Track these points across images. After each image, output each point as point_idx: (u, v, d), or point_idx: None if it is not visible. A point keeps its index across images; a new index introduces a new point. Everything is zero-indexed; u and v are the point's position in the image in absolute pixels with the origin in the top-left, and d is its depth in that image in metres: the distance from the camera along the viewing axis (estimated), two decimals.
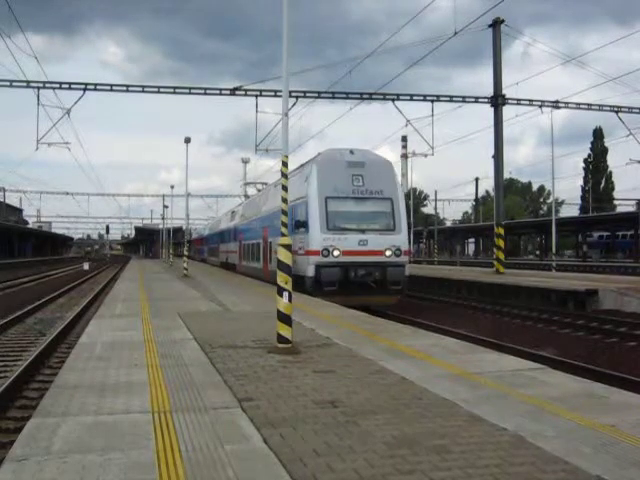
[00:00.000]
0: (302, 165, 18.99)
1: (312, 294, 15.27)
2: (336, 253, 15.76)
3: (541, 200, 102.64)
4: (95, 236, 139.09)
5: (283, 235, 7.71)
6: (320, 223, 15.96)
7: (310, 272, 15.85)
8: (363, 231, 16.17)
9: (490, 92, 26.47)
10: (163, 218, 63.99)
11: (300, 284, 15.78)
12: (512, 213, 72.98)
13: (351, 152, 17.05)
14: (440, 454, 3.69)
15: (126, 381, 5.64)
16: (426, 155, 27.43)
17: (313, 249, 15.87)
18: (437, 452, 3.72)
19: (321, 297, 14.59)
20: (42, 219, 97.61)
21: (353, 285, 15.87)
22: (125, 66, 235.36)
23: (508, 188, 75.63)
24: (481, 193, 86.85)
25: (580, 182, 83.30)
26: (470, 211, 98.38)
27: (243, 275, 25.87)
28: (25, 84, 24.37)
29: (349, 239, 15.96)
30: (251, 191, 49.53)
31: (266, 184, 32.54)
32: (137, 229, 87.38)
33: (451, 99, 27.11)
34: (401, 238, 16.44)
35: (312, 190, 16.32)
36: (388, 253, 16.05)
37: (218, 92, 26.21)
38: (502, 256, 26.30)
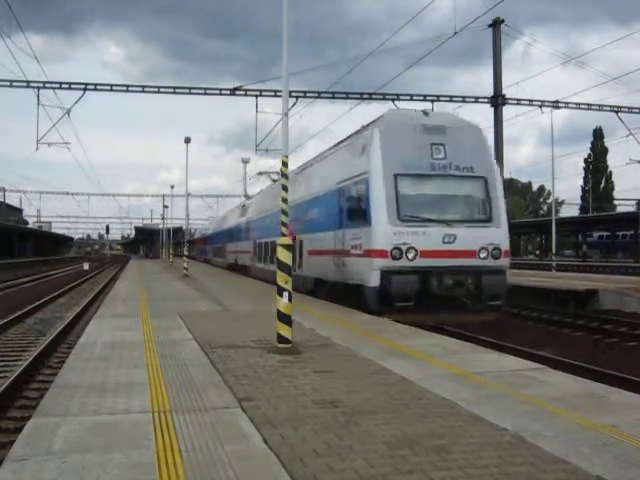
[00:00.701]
0: (356, 132, 14.28)
1: (376, 311, 11.34)
2: (412, 254, 11.41)
3: (541, 200, 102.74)
4: (95, 236, 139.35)
5: (283, 235, 7.71)
6: (388, 211, 11.54)
7: (374, 281, 11.54)
8: (449, 223, 11.73)
9: (490, 92, 26.47)
10: (163, 218, 64.07)
11: (356, 296, 12.20)
12: (512, 213, 72.98)
13: (425, 113, 12.78)
14: (440, 454, 3.69)
15: (126, 381, 5.65)
16: None
17: (378, 248, 11.51)
18: (437, 452, 3.73)
19: (389, 316, 10.87)
20: (42, 219, 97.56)
21: (436, 299, 11.50)
22: (125, 66, 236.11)
23: (508, 188, 75.62)
24: None
25: (580, 182, 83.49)
26: None
27: (258, 279, 21.98)
28: (25, 84, 24.35)
29: (430, 234, 11.55)
30: (252, 190, 49.66)
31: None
32: (137, 229, 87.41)
33: (451, 99, 27.08)
34: (500, 233, 12.12)
35: (375, 164, 11.85)
36: (483, 254, 11.79)
37: (218, 92, 26.19)
38: None
